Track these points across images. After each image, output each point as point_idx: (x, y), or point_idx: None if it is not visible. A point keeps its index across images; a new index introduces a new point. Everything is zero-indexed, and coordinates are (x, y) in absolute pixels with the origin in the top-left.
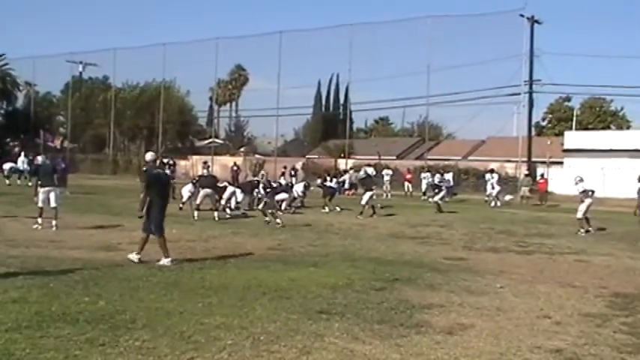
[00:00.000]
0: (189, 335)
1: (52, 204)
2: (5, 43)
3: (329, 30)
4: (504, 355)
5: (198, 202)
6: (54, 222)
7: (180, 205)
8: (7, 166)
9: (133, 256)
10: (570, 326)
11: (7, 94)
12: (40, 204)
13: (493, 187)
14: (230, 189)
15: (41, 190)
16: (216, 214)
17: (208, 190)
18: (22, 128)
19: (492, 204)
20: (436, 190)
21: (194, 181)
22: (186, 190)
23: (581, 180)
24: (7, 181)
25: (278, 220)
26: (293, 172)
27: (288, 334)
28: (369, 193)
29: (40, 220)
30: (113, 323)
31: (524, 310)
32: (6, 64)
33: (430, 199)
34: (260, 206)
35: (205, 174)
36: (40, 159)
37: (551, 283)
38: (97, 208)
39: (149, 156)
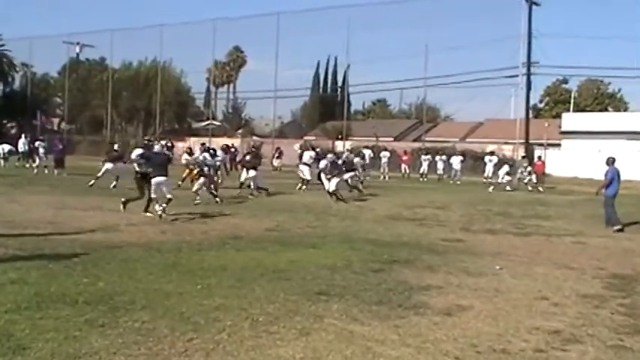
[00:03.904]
0: (189, 316)
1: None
2: (1, 24)
3: (327, 11)
4: (502, 336)
5: (153, 195)
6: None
7: (179, 182)
8: (5, 147)
9: None
10: (568, 307)
11: (4, 75)
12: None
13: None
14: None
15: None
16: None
17: (162, 179)
18: (19, 110)
19: (491, 188)
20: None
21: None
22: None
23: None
24: (2, 163)
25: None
26: (277, 154)
27: (287, 315)
28: (344, 177)
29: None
30: (112, 304)
31: (522, 292)
32: (2, 44)
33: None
34: None
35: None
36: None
37: (549, 264)
38: (94, 189)
39: None
